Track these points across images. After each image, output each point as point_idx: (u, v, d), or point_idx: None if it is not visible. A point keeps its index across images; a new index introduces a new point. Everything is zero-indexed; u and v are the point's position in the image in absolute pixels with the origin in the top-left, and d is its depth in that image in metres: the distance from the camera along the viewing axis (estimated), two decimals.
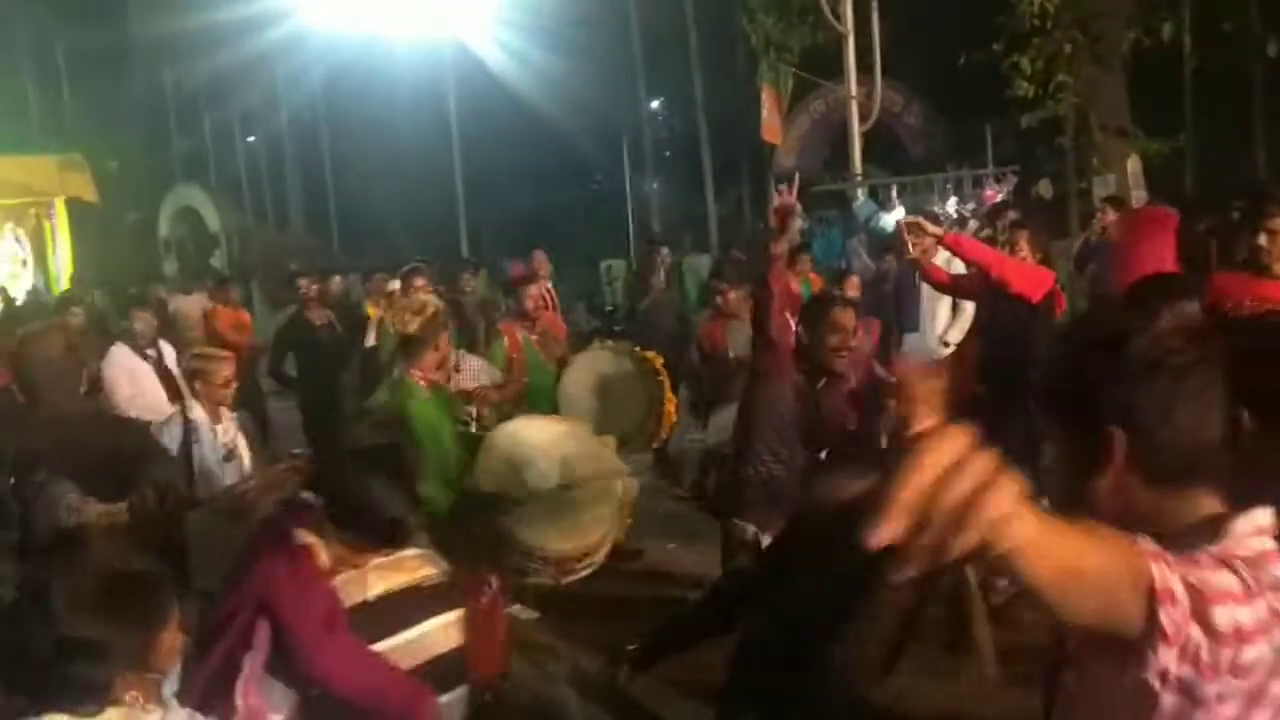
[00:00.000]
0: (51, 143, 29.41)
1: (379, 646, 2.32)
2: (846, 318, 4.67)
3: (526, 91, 24.02)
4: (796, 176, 5.18)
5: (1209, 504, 1.52)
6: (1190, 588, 1.36)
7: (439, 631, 2.53)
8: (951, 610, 2.74)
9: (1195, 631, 1.36)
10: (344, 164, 30.78)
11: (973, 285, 6.13)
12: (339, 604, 2.32)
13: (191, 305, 12.21)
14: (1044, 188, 14.39)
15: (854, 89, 12.72)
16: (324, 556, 2.40)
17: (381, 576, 2.40)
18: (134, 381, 7.02)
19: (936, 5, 16.03)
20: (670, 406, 6.70)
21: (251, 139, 32.62)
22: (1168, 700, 1.41)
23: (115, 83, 30.56)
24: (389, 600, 2.37)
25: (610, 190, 28.68)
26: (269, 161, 32.30)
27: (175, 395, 6.72)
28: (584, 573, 4.79)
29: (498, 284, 16.80)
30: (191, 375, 5.68)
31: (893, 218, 12.40)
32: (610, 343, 7.92)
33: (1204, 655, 1.38)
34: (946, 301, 8.40)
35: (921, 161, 17.54)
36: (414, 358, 5.12)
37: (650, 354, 6.79)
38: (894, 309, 8.93)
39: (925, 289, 8.45)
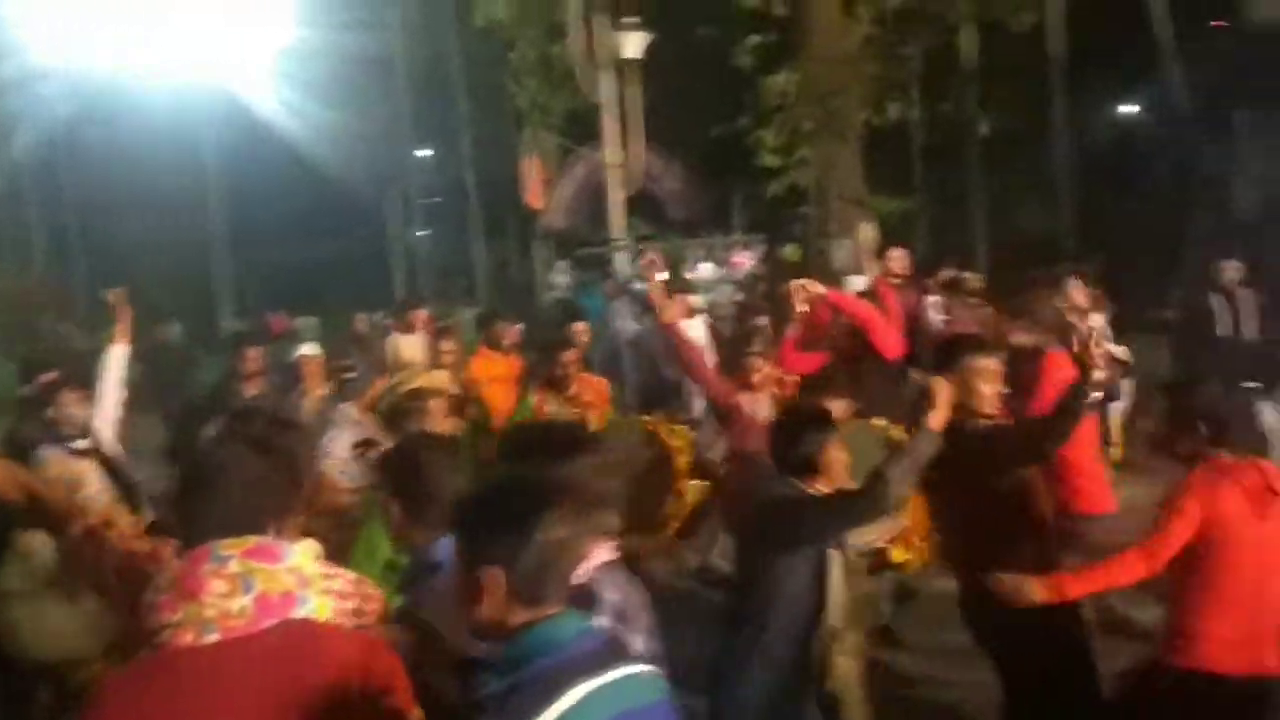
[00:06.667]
0: None
1: None
2: None
3: (292, 141, 23.66)
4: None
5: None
6: None
7: None
8: None
9: None
10: (92, 208, 29.26)
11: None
12: None
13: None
14: (790, 252, 15.44)
15: (614, 157, 13.32)
16: None
17: None
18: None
19: (691, 78, 17.01)
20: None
21: None
22: None
23: None
24: None
25: (378, 241, 28.55)
26: (6, 203, 30.31)
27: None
28: None
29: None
30: None
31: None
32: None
33: None
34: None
35: (682, 222, 18.45)
36: None
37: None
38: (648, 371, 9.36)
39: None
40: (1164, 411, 3.93)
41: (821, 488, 3.69)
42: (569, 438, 2.62)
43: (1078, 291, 6.69)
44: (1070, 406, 4.00)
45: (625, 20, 13.10)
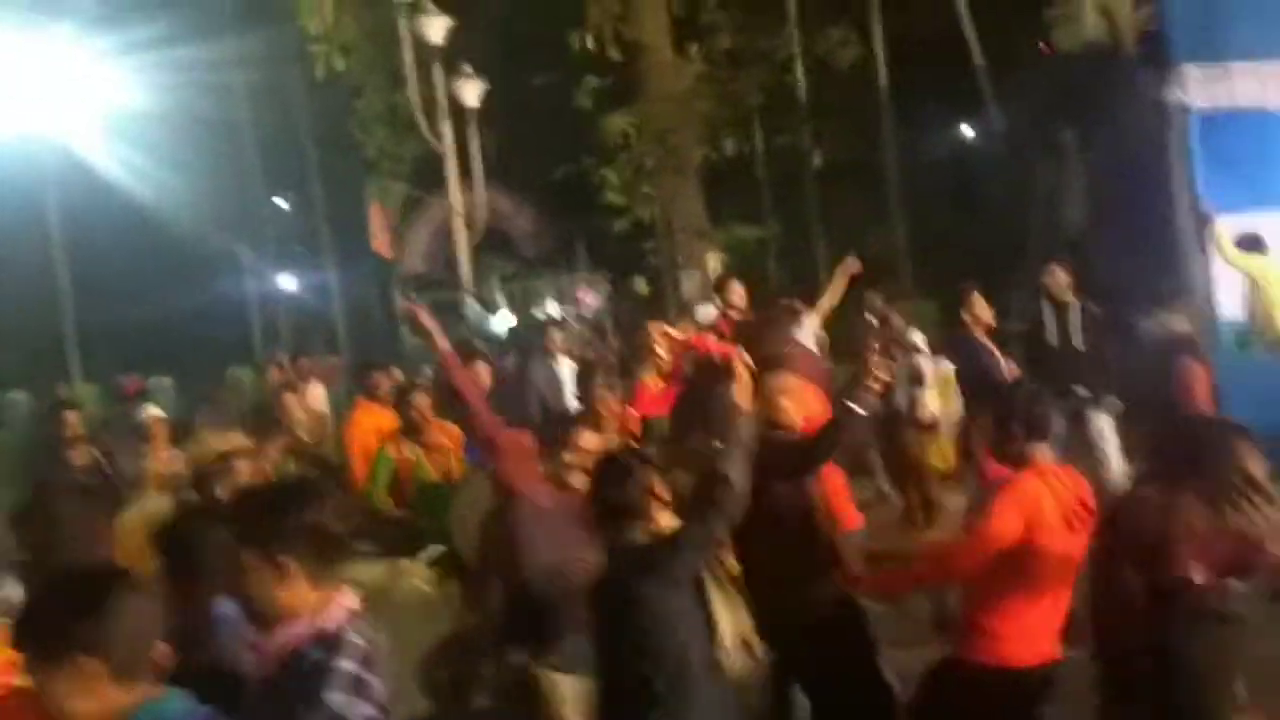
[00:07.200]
0: None
1: None
2: None
3: (139, 200, 23.17)
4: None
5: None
6: None
7: None
8: None
9: None
10: None
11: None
12: None
13: None
14: (640, 285, 15.84)
15: (458, 202, 13.50)
16: None
17: None
18: None
19: (535, 121, 17.31)
20: None
21: None
22: None
23: None
24: None
25: (235, 296, 28.06)
26: None
27: None
28: None
29: (113, 398, 16.09)
30: None
31: (499, 320, 13.32)
32: None
33: None
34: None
35: (535, 260, 18.74)
36: None
37: None
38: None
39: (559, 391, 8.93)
40: (989, 416, 4.11)
41: (664, 520, 3.73)
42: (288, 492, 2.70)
43: (980, 307, 7.02)
44: (833, 426, 4.30)
45: (463, 69, 13.34)
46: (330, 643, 2.43)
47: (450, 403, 4.73)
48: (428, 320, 4.65)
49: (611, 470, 3.85)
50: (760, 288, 14.66)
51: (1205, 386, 5.72)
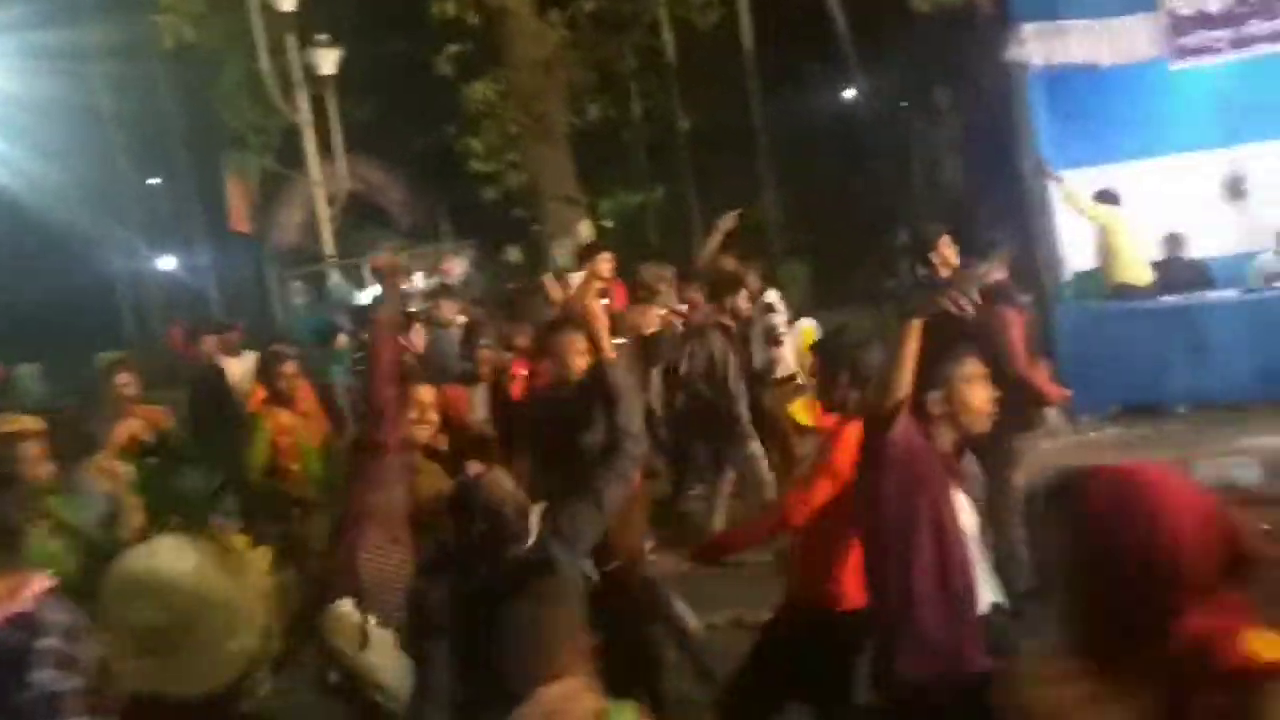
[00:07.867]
0: None
1: None
2: None
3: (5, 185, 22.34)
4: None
5: None
6: None
7: None
8: None
9: None
10: None
11: None
12: None
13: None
14: (513, 254, 15.70)
15: (317, 174, 13.24)
16: None
17: None
18: None
19: (396, 90, 17.01)
20: None
21: None
22: None
23: None
24: None
25: (104, 279, 27.25)
26: None
27: None
28: None
29: None
30: None
31: (366, 295, 13.10)
32: None
33: None
34: None
35: (410, 232, 18.48)
36: None
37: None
38: None
39: None
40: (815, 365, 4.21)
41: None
42: None
43: (947, 250, 7.16)
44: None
45: (317, 38, 13.04)
46: (28, 625, 2.41)
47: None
48: (399, 280, 4.71)
49: (474, 508, 3.34)
50: (640, 252, 14.72)
51: (1020, 332, 5.91)
